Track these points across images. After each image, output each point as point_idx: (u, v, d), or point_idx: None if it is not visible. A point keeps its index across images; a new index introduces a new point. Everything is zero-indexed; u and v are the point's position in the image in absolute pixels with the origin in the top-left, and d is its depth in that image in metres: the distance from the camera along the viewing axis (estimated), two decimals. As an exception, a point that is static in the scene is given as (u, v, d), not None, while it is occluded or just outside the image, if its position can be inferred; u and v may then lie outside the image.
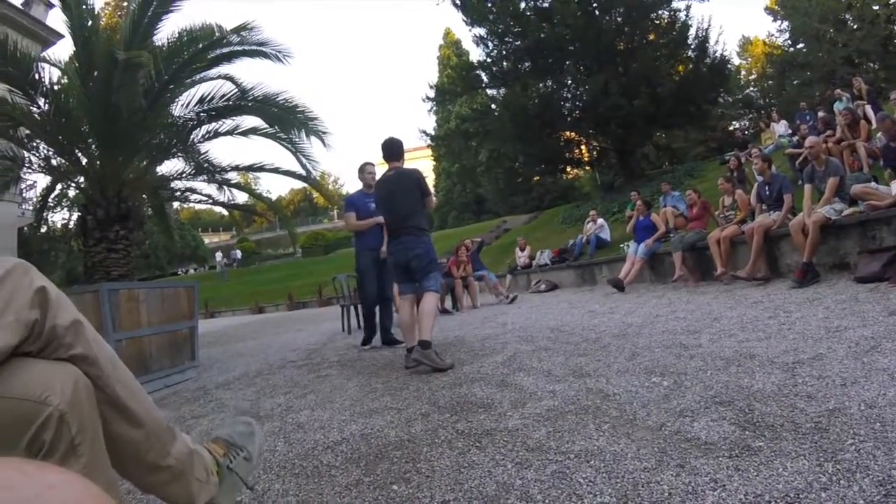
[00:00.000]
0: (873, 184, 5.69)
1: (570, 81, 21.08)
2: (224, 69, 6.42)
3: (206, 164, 6.77)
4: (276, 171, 7.17)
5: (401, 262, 4.17)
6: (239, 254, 42.14)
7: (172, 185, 7.11)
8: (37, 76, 5.27)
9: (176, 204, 9.29)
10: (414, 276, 4.16)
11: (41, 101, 5.46)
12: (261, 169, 7.19)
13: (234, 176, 7.32)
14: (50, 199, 7.94)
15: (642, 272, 8.41)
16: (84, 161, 5.88)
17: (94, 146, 5.81)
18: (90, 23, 5.68)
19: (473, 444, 1.99)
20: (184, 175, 6.86)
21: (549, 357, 3.49)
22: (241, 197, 8.99)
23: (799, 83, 27.50)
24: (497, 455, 1.86)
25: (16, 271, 0.92)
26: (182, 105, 6.29)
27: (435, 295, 4.10)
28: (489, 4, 20.16)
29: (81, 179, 6.09)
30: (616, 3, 18.89)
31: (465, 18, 20.91)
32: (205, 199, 7.37)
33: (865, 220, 5.22)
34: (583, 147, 22.99)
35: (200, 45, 5.95)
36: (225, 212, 9.68)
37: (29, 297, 0.91)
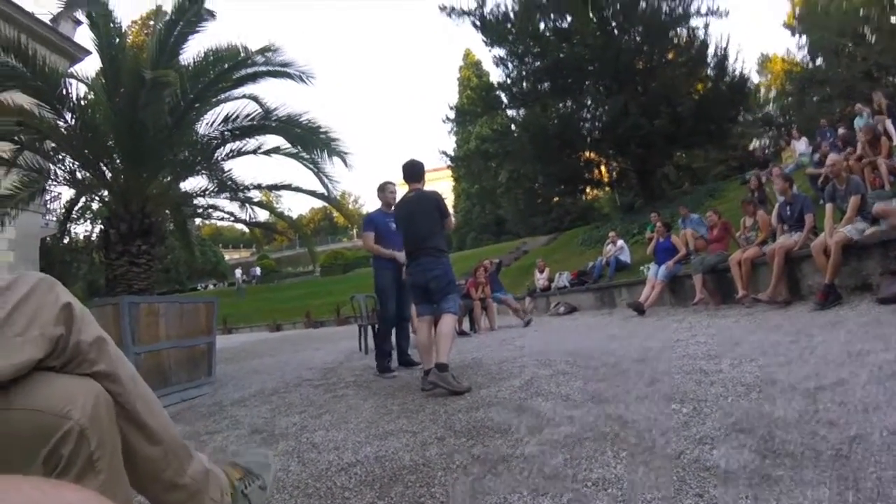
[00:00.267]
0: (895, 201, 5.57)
1: (589, 101, 21.14)
2: (248, 89, 6.53)
3: (229, 182, 6.87)
4: (298, 190, 7.23)
5: (419, 283, 4.17)
6: (258, 271, 42.49)
7: (195, 201, 7.21)
8: (64, 91, 5.41)
9: (198, 220, 9.44)
10: (432, 298, 4.15)
11: (68, 116, 5.59)
12: (283, 188, 7.25)
13: (256, 194, 7.39)
14: (74, 212, 8.09)
15: (663, 295, 8.30)
16: (109, 175, 5.99)
17: (118, 161, 5.92)
18: (117, 41, 5.84)
19: (489, 470, 1.96)
20: (207, 192, 6.97)
21: (568, 382, 3.44)
22: (263, 215, 9.09)
23: (819, 100, 27.20)
24: (513, 482, 1.83)
25: (41, 286, 0.93)
26: (207, 123, 6.40)
27: (453, 317, 4.09)
28: (508, 25, 20.34)
29: (105, 193, 6.19)
30: (634, 21, 19.00)
31: (484, 39, 21.12)
32: (227, 216, 7.46)
33: (888, 239, 5.11)
34: (602, 167, 22.95)
35: (226, 66, 6.08)
36: (246, 229, 9.78)
37: (55, 314, 0.92)
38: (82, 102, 5.74)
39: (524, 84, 21.33)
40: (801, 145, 13.46)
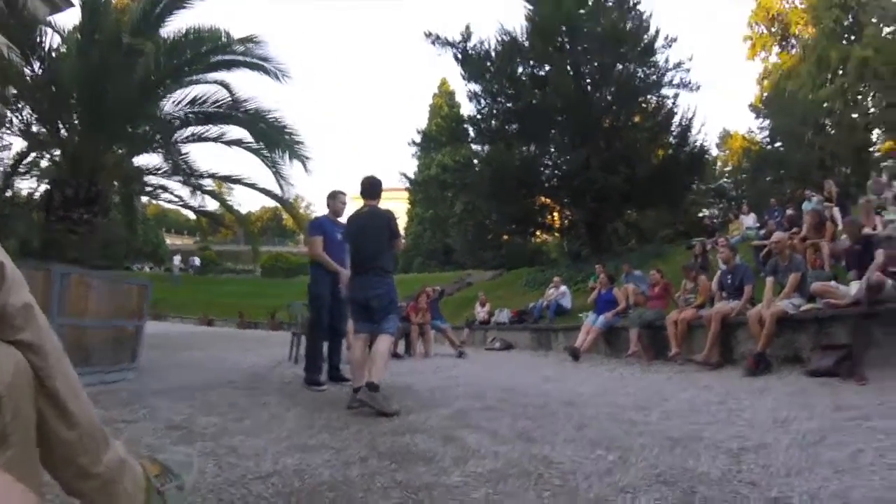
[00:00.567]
0: (833, 283, 5.88)
1: (553, 149, 21.56)
2: (222, 75, 6.44)
3: (184, 166, 6.70)
4: (253, 186, 7.12)
5: (360, 299, 4.14)
6: (198, 261, 41.15)
7: (146, 179, 7.00)
8: (38, 39, 5.21)
9: (145, 198, 9.12)
10: (372, 316, 4.11)
11: (36, 65, 5.41)
12: (238, 181, 7.13)
13: (209, 182, 7.24)
14: (21, 165, 7.70)
15: (597, 343, 8.47)
16: (64, 135, 5.77)
17: (77, 122, 5.72)
18: (100, -1, 5.65)
19: (411, 497, 1.95)
20: (160, 171, 6.78)
21: (497, 417, 3.45)
22: (213, 205, 8.87)
23: (772, 179, 28.52)
24: (433, 511, 1.81)
25: None
26: (173, 102, 6.27)
27: (390, 337, 4.08)
28: (489, 64, 20.69)
29: (57, 153, 5.94)
30: (609, 82, 19.59)
31: (462, 73, 21.37)
32: (176, 199, 7.26)
33: (822, 317, 5.37)
34: (556, 214, 23.36)
35: (204, 48, 5.97)
36: (192, 216, 9.51)
37: None
38: (53, 54, 5.53)
39: (493, 122, 21.62)
40: (748, 220, 14.14)
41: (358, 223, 4.30)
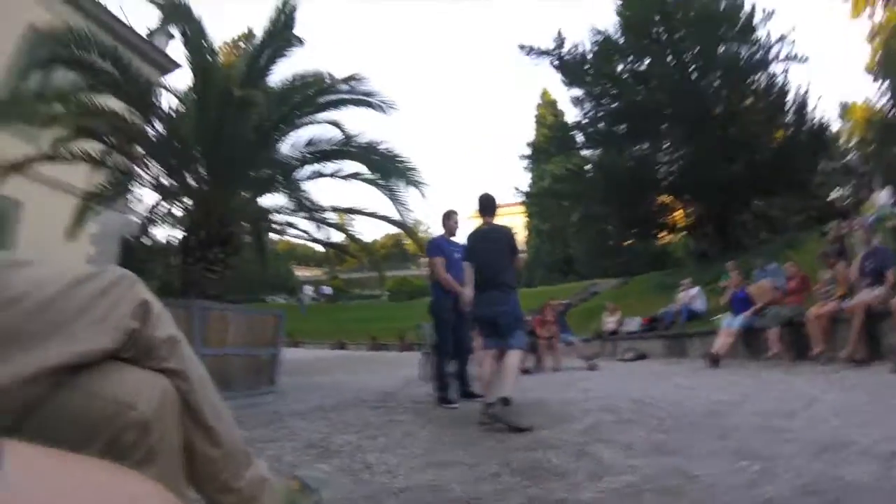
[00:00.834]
0: None
1: (666, 145, 20.74)
2: (331, 115, 6.76)
3: (306, 202, 7.09)
4: (374, 215, 7.37)
5: (487, 316, 4.16)
6: (328, 289, 43.53)
7: (273, 217, 7.47)
8: (154, 100, 5.78)
9: (274, 236, 9.78)
10: (499, 332, 4.10)
11: (157, 124, 5.97)
12: (359, 212, 7.40)
13: (331, 215, 7.59)
14: (155, 215, 8.52)
15: (736, 347, 7.91)
16: (192, 184, 6.28)
17: (203, 172, 6.21)
18: (209, 59, 6.14)
19: (544, 513, 1.88)
20: (284, 210, 7.22)
21: (632, 430, 3.30)
22: (337, 236, 9.31)
23: (901, 147, 25.47)
24: (568, 527, 1.74)
25: (124, 281, 0.96)
26: (289, 144, 6.68)
27: (519, 352, 4.06)
28: (586, 67, 20.36)
29: (188, 201, 6.51)
30: (713, 66, 18.59)
31: (562, 79, 21.19)
32: (302, 234, 7.67)
33: None
34: (677, 213, 22.34)
35: (311, 91, 6.33)
36: (319, 248, 10.05)
37: (132, 308, 0.94)
38: (171, 113, 6.11)
39: (600, 125, 21.21)
40: (883, 196, 12.66)
41: (479, 240, 4.34)
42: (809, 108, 19.01)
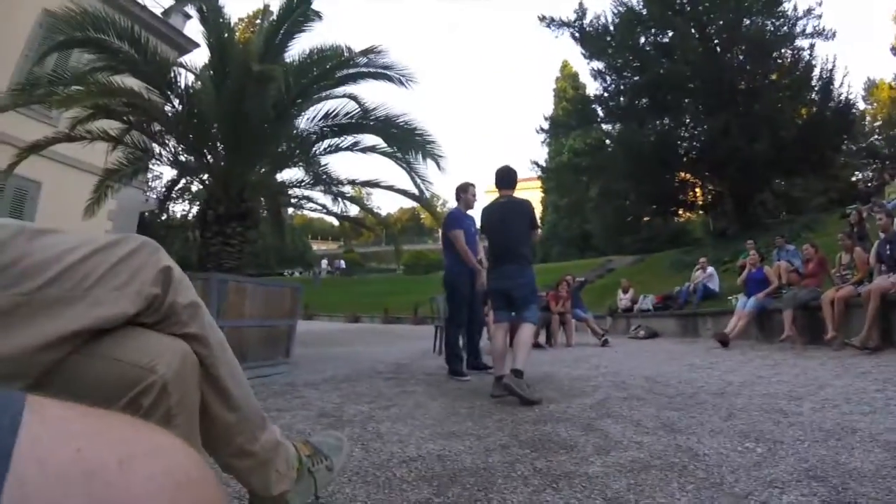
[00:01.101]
0: None
1: (688, 120, 20.39)
2: (349, 88, 6.73)
3: (324, 176, 7.11)
4: (391, 188, 7.36)
5: (502, 289, 4.16)
6: (343, 263, 43.82)
7: (290, 191, 7.52)
8: (172, 78, 5.80)
9: (291, 210, 9.81)
10: (513, 305, 4.13)
11: (175, 102, 6.00)
12: (376, 185, 7.39)
13: (348, 189, 7.61)
14: (173, 191, 8.61)
15: (749, 328, 7.88)
16: (210, 160, 6.33)
17: (221, 148, 6.25)
18: (226, 35, 6.17)
19: (550, 485, 1.93)
20: (302, 184, 7.26)
21: (641, 407, 3.33)
22: (353, 210, 9.35)
23: (928, 130, 24.81)
24: (572, 499, 1.79)
25: (146, 248, 0.98)
26: (307, 119, 6.67)
27: (532, 326, 4.07)
28: (608, 38, 19.98)
29: (206, 176, 6.56)
30: (738, 40, 18.14)
31: (583, 52, 20.83)
32: (319, 208, 7.72)
33: None
34: (697, 190, 22.04)
35: (328, 65, 6.30)
36: (336, 222, 10.10)
37: (154, 274, 0.96)
38: (189, 91, 6.13)
39: (621, 99, 20.85)
40: None
41: (497, 213, 4.30)
42: (835, 84, 18.46)
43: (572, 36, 20.37)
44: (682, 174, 21.28)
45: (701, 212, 24.51)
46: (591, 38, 20.08)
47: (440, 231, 6.29)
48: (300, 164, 7.07)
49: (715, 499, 1.76)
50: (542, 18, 20.16)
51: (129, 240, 0.97)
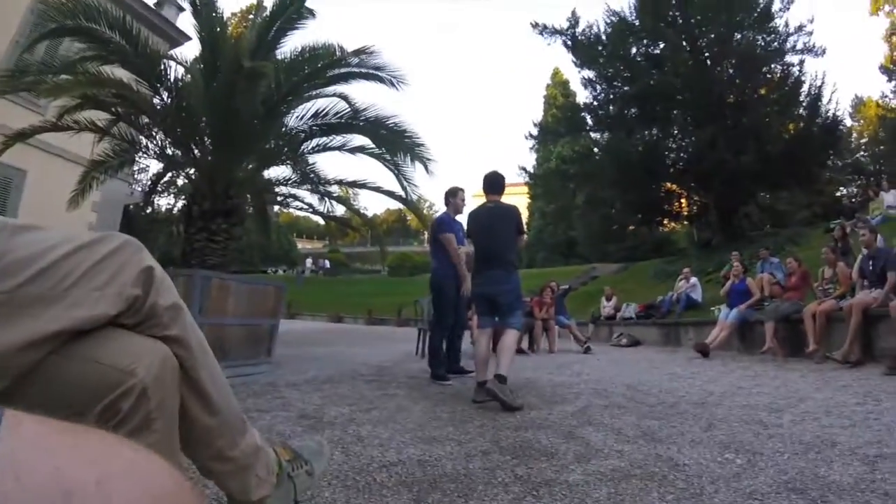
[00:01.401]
0: None
1: (676, 131, 20.59)
2: (340, 88, 6.69)
3: (311, 175, 7.07)
4: (378, 190, 7.33)
5: (487, 294, 4.17)
6: (327, 263, 43.62)
7: (277, 189, 7.47)
8: (162, 71, 5.74)
9: (277, 207, 9.73)
10: (497, 311, 4.14)
11: (164, 94, 5.93)
12: (363, 186, 7.36)
13: (335, 188, 7.58)
14: (159, 185, 8.51)
15: (731, 339, 7.97)
16: (197, 154, 6.27)
17: (208, 143, 6.19)
18: (218, 29, 6.11)
19: (530, 492, 1.93)
20: (289, 182, 7.21)
21: (622, 415, 3.35)
22: (340, 209, 9.31)
23: (913, 149, 25.29)
24: (553, 508, 1.78)
25: (127, 248, 0.95)
26: (297, 117, 6.62)
27: (516, 332, 4.09)
28: (600, 48, 20.13)
29: (192, 171, 6.48)
30: (728, 53, 18.37)
31: (574, 60, 20.96)
32: (305, 207, 7.67)
33: None
34: (683, 200, 22.25)
35: (320, 64, 6.26)
36: (322, 221, 10.07)
37: (135, 274, 0.94)
38: (179, 84, 6.06)
39: (611, 108, 21.02)
40: (889, 197, 12.66)
41: (484, 218, 4.30)
42: (824, 100, 18.77)
43: (564, 44, 20.51)
44: (669, 185, 21.47)
45: (686, 222, 24.76)
46: (582, 47, 20.22)
47: (426, 234, 6.27)
48: (288, 162, 7.02)
49: (694, 510, 1.77)
50: (535, 25, 20.27)
51: (111, 238, 0.95)
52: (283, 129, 6.69)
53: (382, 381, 4.91)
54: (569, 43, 20.38)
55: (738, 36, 18.41)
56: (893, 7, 30.22)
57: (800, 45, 18.51)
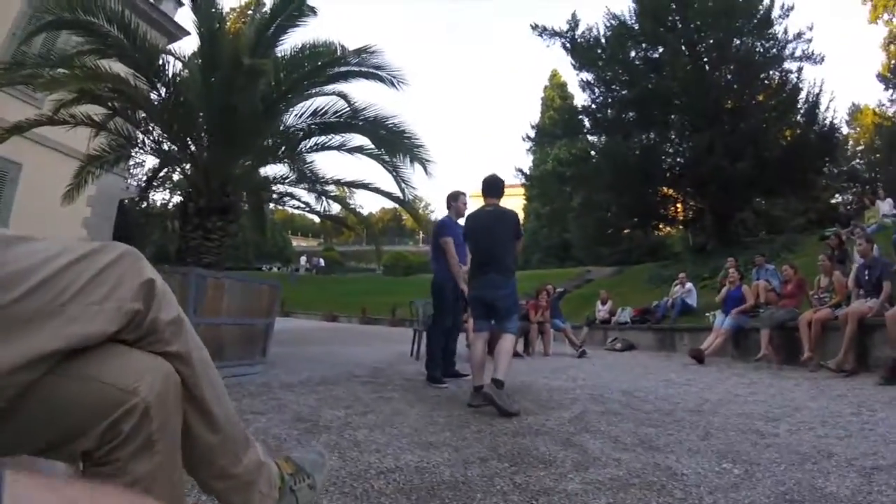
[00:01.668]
0: None
1: (673, 136, 20.61)
2: (340, 86, 6.67)
3: (309, 174, 7.04)
4: (376, 190, 7.30)
5: (484, 298, 4.14)
6: (322, 261, 43.49)
7: (274, 187, 7.43)
8: (160, 65, 5.70)
9: (272, 205, 9.66)
10: (495, 315, 4.12)
11: (161, 89, 5.88)
12: (362, 186, 7.32)
13: (332, 188, 7.55)
14: (155, 180, 8.46)
15: (726, 346, 7.97)
16: (194, 150, 6.22)
17: (205, 139, 6.14)
18: (218, 25, 6.05)
19: (529, 501, 1.91)
20: (286, 180, 7.17)
21: (619, 422, 3.34)
22: (336, 208, 9.28)
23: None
24: (553, 518, 1.77)
25: (126, 259, 0.92)
26: (295, 115, 6.59)
27: (513, 337, 4.09)
28: (599, 51, 20.13)
29: (188, 167, 6.44)
30: (727, 59, 18.42)
31: (573, 62, 20.93)
32: (302, 206, 7.64)
33: None
34: (679, 205, 22.27)
35: (320, 62, 6.23)
36: (317, 219, 10.04)
37: (135, 288, 0.90)
38: (177, 79, 6.02)
39: (609, 111, 21.00)
40: (885, 206, 12.70)
41: (482, 222, 4.29)
42: (821, 108, 18.80)
43: (563, 46, 20.48)
44: (665, 189, 21.48)
45: (681, 227, 24.76)
46: (581, 50, 20.20)
47: (421, 234, 6.26)
48: (285, 160, 6.99)
49: (694, 521, 1.76)
50: (535, 27, 20.26)
51: (110, 249, 0.92)
52: (282, 127, 6.66)
53: (378, 383, 4.88)
54: (568, 45, 20.36)
55: (738, 42, 18.41)
56: (892, 16, 30.39)
57: (798, 53, 18.55)
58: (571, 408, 3.84)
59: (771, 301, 7.87)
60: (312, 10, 5.98)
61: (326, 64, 6.19)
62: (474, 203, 4.81)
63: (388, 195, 7.32)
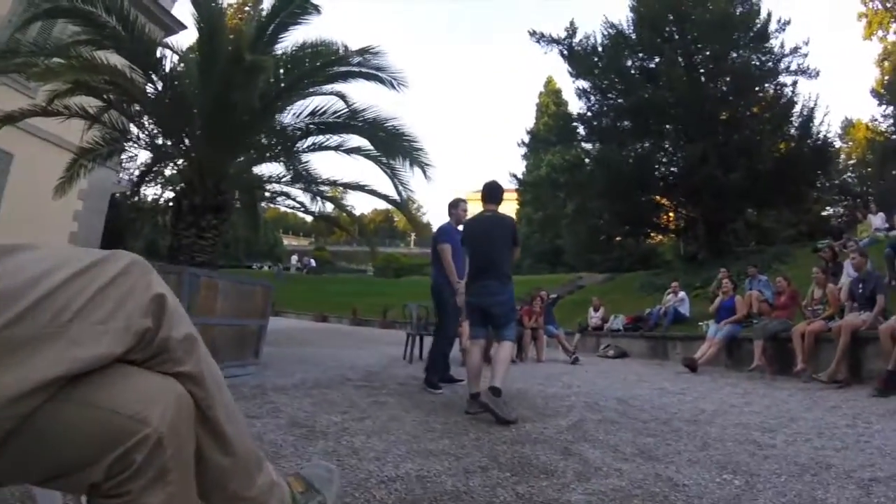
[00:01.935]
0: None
1: (667, 145, 20.69)
2: (339, 86, 6.62)
3: (305, 174, 6.98)
4: (374, 193, 7.26)
5: (481, 305, 4.10)
6: (313, 261, 43.31)
7: (268, 186, 7.36)
8: (157, 59, 5.63)
9: (265, 203, 9.57)
10: (492, 322, 4.09)
11: (158, 83, 5.81)
12: (358, 188, 7.27)
13: (327, 188, 7.49)
14: (147, 175, 8.37)
15: (719, 355, 7.97)
16: (188, 146, 6.16)
17: (200, 134, 6.06)
18: (217, 21, 5.98)
19: (534, 513, 1.87)
20: (281, 179, 7.10)
21: (617, 431, 3.32)
22: (329, 208, 9.22)
23: (900, 173, 25.64)
24: (559, 531, 1.73)
25: (133, 270, 0.85)
26: (293, 114, 6.54)
27: (512, 345, 4.08)
28: (596, 59, 20.19)
29: (182, 162, 6.36)
30: (723, 71, 18.54)
31: (570, 70, 20.98)
32: (297, 206, 7.58)
33: None
34: (671, 214, 22.36)
35: (320, 61, 6.18)
36: (309, 218, 9.98)
37: (144, 303, 0.84)
38: (174, 73, 5.97)
39: (604, 119, 21.08)
40: (877, 220, 12.80)
41: (480, 228, 4.27)
42: (815, 121, 18.90)
43: (560, 53, 20.51)
44: (658, 198, 21.55)
45: (673, 235, 24.88)
46: (578, 57, 20.25)
47: (413, 236, 6.23)
48: (281, 159, 6.93)
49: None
50: (533, 33, 20.27)
51: (115, 259, 0.85)
52: (279, 126, 6.60)
53: (372, 387, 4.83)
54: (565, 53, 20.41)
55: (734, 55, 18.52)
56: (886, 33, 30.73)
57: (794, 67, 18.66)
58: (568, 415, 3.81)
59: (764, 312, 7.88)
60: (316, 8, 5.94)
61: (327, 63, 6.15)
62: (473, 205, 4.79)
63: (385, 197, 7.28)
